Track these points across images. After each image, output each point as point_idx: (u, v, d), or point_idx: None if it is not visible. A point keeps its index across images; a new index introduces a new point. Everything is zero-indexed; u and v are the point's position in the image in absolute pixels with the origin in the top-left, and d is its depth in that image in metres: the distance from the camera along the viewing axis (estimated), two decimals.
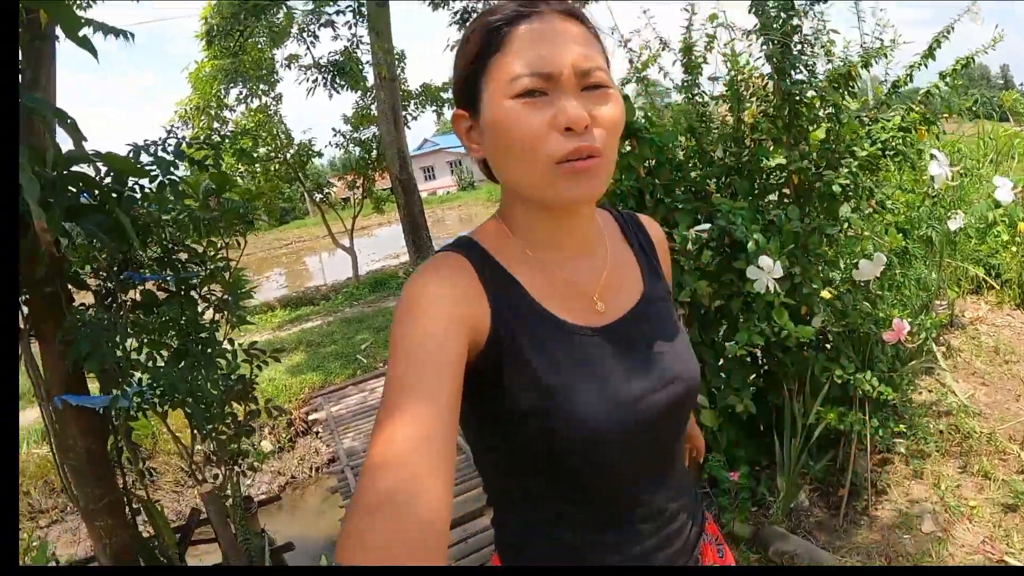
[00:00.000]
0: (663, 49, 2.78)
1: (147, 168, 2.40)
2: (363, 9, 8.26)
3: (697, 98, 2.70)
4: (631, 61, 2.86)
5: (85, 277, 2.71)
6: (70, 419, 2.47)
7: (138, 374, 2.46)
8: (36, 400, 2.54)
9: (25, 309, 2.41)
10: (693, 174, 2.62)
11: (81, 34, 2.08)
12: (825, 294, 2.32)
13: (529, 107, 0.71)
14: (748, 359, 2.43)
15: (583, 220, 0.83)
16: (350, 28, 8.25)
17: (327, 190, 12.07)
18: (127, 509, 2.65)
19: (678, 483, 0.88)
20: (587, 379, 0.75)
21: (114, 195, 2.32)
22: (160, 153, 2.40)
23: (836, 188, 2.11)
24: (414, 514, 0.53)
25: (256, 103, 9.56)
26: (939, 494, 2.49)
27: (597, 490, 0.79)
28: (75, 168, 2.26)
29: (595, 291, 0.83)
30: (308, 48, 8.49)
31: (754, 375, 2.50)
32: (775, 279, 1.98)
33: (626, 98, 2.37)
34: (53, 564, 2.58)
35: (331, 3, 8.18)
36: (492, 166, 0.79)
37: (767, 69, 2.38)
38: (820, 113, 2.43)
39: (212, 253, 2.78)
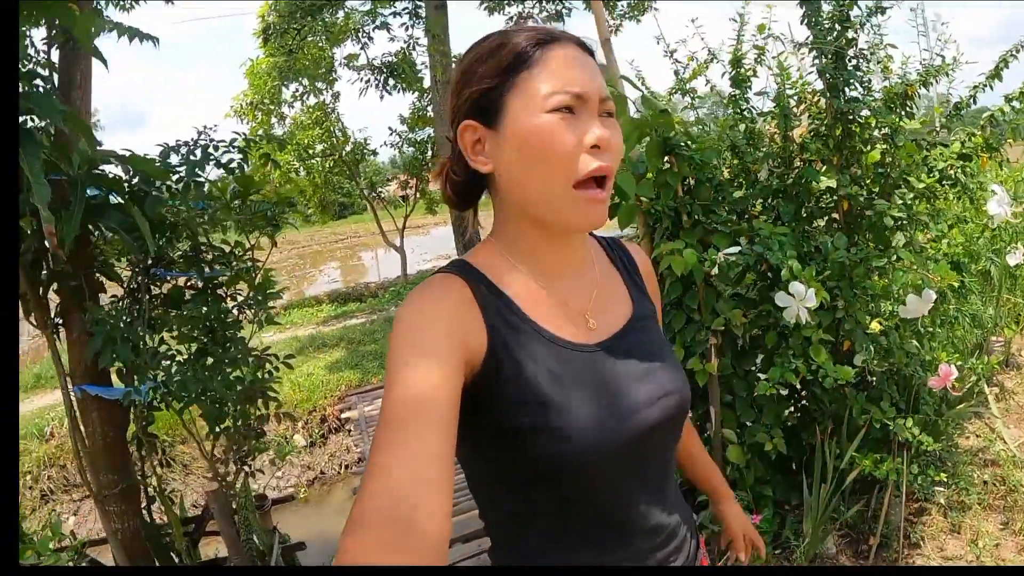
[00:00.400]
0: (711, 61, 2.64)
1: (176, 168, 2.41)
2: (420, 12, 8.30)
3: (745, 113, 2.54)
4: (676, 73, 2.73)
5: (120, 270, 2.77)
6: (92, 407, 2.53)
7: (156, 370, 2.47)
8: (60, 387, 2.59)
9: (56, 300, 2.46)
10: (736, 194, 2.47)
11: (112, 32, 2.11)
12: (875, 325, 2.13)
13: (563, 121, 0.74)
14: (783, 393, 2.27)
15: (577, 241, 0.86)
16: (406, 30, 8.31)
17: (380, 189, 12.20)
18: (143, 497, 2.69)
19: (674, 499, 0.90)
20: (583, 393, 0.77)
21: (142, 194, 2.35)
22: (189, 154, 2.41)
23: (888, 220, 1.92)
24: (413, 529, 0.53)
25: (314, 100, 9.75)
26: (975, 552, 2.26)
27: (595, 506, 0.80)
28: (107, 167, 2.30)
29: (587, 309, 0.85)
30: (363, 48, 8.60)
31: (788, 410, 2.33)
32: (809, 308, 1.82)
33: (664, 112, 2.24)
34: (68, 542, 2.61)
35: (389, 4, 8.23)
36: (505, 180, 0.80)
37: (819, 84, 2.21)
38: (876, 134, 2.25)
39: (240, 253, 2.79)
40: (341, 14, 8.30)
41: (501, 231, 0.85)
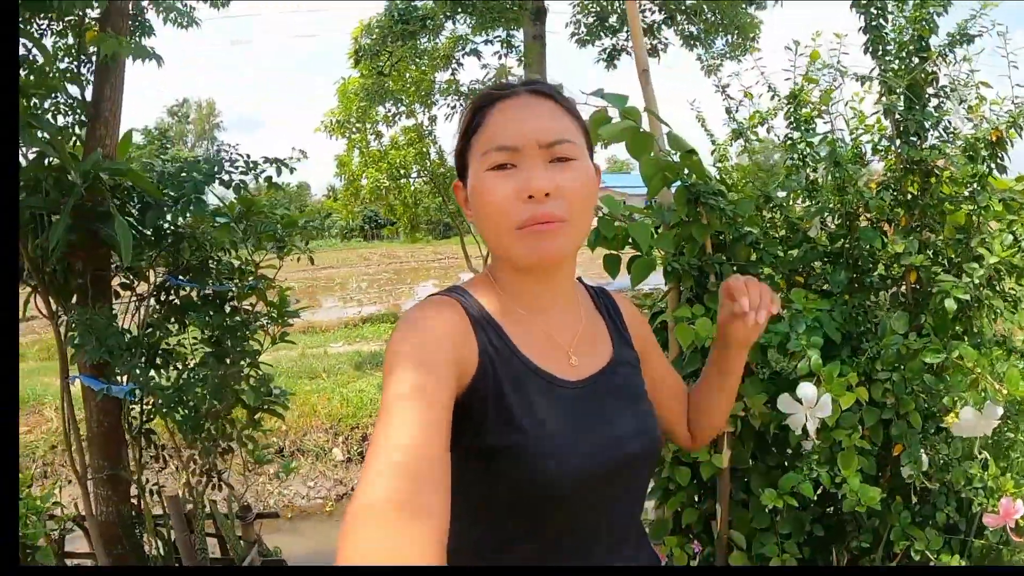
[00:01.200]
0: (774, 98, 2.28)
1: (181, 182, 2.37)
2: (512, 41, 8.29)
3: (808, 160, 2.15)
4: (728, 111, 2.38)
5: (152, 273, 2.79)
6: (92, 395, 2.59)
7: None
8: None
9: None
10: (791, 253, 2.09)
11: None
12: (950, 419, 1.67)
13: (499, 178, 0.81)
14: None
15: (560, 279, 0.90)
16: (500, 58, 8.31)
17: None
18: (133, 486, 2.72)
19: (640, 544, 0.94)
20: (559, 424, 0.81)
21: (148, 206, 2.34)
22: (193, 172, 2.37)
23: (950, 303, 1.49)
24: (413, 523, 0.54)
25: (411, 121, 9.92)
26: None
27: (564, 534, 0.82)
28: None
29: (571, 346, 0.89)
30: (452, 74, 8.66)
31: (815, 519, 1.89)
32: (825, 420, 1.43)
33: (692, 151, 1.92)
34: (57, 512, 2.66)
35: (483, 32, 8.28)
36: (477, 229, 0.90)
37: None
38: (964, 192, 1.81)
39: (250, 268, 2.72)
40: (443, 38, 8.45)
41: (494, 266, 0.91)
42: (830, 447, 1.63)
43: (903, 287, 1.92)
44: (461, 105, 8.76)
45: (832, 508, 1.95)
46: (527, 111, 0.83)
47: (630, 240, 1.97)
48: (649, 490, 2.30)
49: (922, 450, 1.59)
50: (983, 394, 1.41)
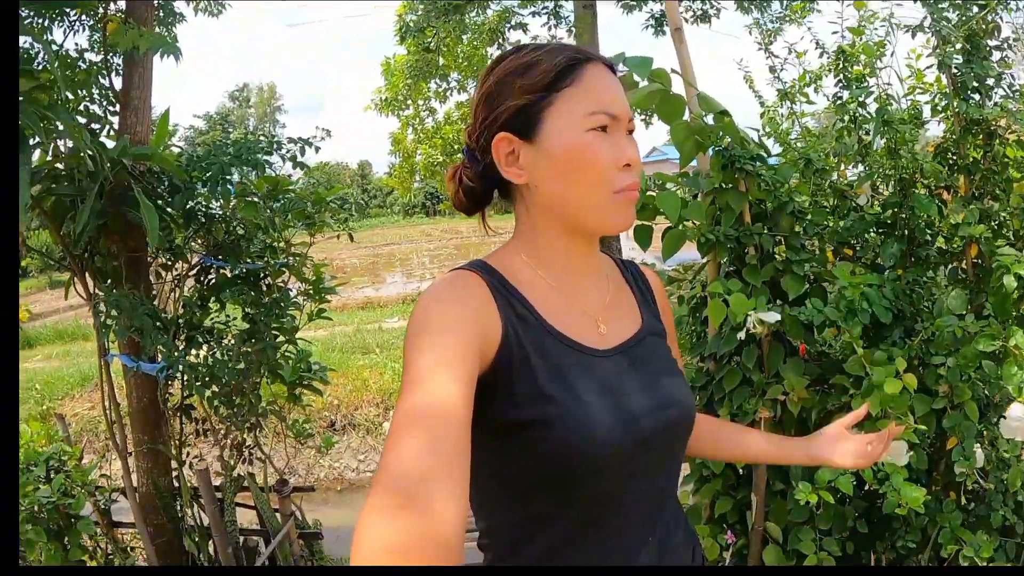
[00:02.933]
0: (822, 55, 2.08)
1: (209, 165, 2.38)
2: (560, 12, 7.99)
3: (859, 120, 1.96)
4: (772, 69, 2.20)
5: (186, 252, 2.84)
6: (129, 372, 2.68)
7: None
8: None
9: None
10: (840, 224, 1.92)
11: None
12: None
13: (601, 139, 0.80)
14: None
15: (595, 247, 0.91)
16: (549, 30, 8.04)
17: None
18: (172, 460, 2.79)
19: (678, 516, 0.91)
20: (592, 393, 0.78)
21: (177, 188, 2.37)
22: (220, 155, 2.38)
23: (1010, 281, 1.31)
24: (431, 512, 0.53)
25: (464, 96, 9.82)
26: None
27: (598, 510, 0.80)
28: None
29: (599, 314, 0.88)
30: (499, 48, 8.46)
31: (859, 513, 1.75)
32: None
33: (724, 112, 1.77)
34: (101, 484, 2.77)
35: (529, 4, 8.02)
36: (543, 190, 0.83)
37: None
38: None
39: (281, 246, 2.73)
40: (490, 12, 8.26)
41: (526, 236, 0.87)
42: None
43: (963, 262, 1.73)
44: None
45: (879, 502, 1.80)
46: (614, 81, 0.84)
47: (661, 211, 1.85)
48: (684, 476, 2.22)
49: (977, 445, 1.43)
50: None
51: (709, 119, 1.84)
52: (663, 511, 0.87)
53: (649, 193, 1.87)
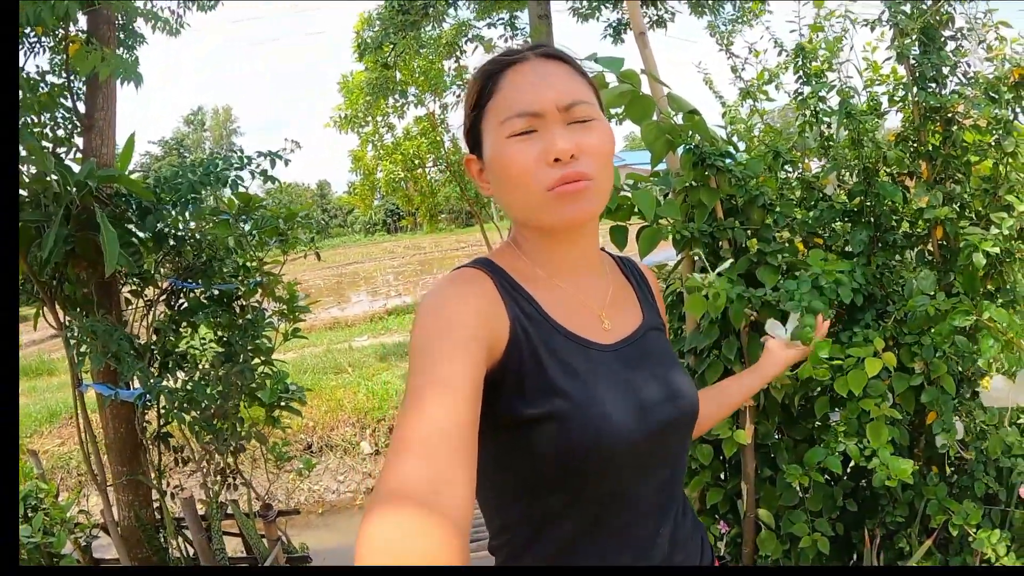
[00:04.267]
0: (781, 54, 2.15)
1: (176, 185, 2.33)
2: (516, 23, 8.10)
3: (820, 115, 2.03)
4: (734, 69, 2.27)
5: (159, 277, 2.77)
6: (104, 403, 2.62)
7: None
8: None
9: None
10: (809, 215, 1.98)
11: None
12: (985, 383, 1.55)
13: (522, 144, 0.79)
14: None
15: (585, 242, 0.89)
16: (505, 41, 8.14)
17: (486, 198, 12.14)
18: (154, 490, 2.73)
19: (685, 506, 0.92)
20: (603, 387, 0.79)
21: (145, 211, 2.32)
22: (188, 174, 2.34)
23: (979, 258, 1.38)
24: (437, 508, 0.53)
25: (422, 111, 9.83)
26: None
27: (613, 501, 0.80)
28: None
29: (601, 310, 0.89)
30: (456, 61, 8.52)
31: (847, 493, 1.80)
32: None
33: (694, 111, 1.82)
34: (79, 520, 2.70)
35: (484, 17, 8.10)
36: (497, 200, 0.86)
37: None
38: (989, 140, 1.68)
39: (255, 266, 2.69)
40: (447, 25, 8.31)
41: (517, 237, 0.89)
42: (858, 418, 1.53)
43: (929, 244, 1.80)
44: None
45: (865, 481, 1.85)
46: (541, 75, 0.81)
47: (636, 210, 1.88)
48: None
49: (956, 417, 1.49)
50: (1018, 357, 1.30)
51: (678, 119, 1.88)
52: (673, 501, 0.88)
53: (623, 193, 1.90)
